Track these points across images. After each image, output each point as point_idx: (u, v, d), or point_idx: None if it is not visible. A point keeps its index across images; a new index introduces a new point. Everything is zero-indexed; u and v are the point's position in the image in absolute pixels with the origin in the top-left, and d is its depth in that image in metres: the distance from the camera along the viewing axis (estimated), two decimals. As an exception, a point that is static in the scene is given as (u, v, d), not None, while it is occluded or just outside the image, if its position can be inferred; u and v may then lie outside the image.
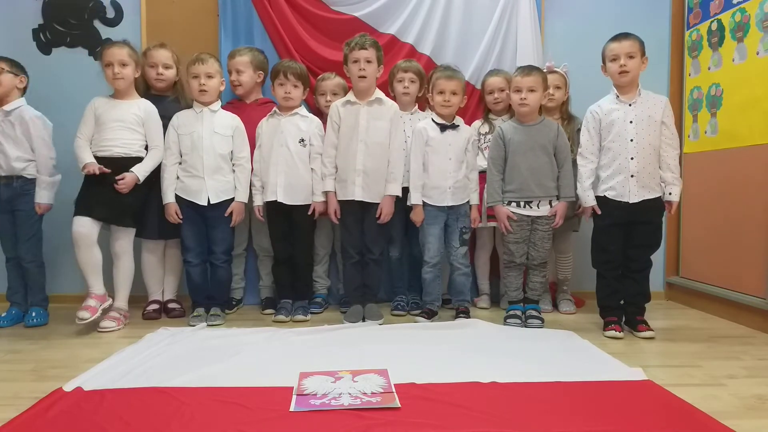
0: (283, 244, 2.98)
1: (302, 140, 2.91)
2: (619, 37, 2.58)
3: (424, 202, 2.85)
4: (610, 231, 2.62)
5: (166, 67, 2.98)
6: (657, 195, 2.58)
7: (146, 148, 2.84)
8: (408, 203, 2.87)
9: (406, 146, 2.92)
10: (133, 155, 2.79)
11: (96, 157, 2.75)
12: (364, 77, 2.77)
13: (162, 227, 2.92)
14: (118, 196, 2.73)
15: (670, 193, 2.59)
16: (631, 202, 2.56)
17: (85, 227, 2.70)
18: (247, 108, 3.09)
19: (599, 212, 2.64)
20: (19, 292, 2.94)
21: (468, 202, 2.88)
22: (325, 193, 2.89)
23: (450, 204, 2.84)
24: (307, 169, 2.92)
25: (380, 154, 2.83)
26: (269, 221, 2.99)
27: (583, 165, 2.68)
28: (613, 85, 2.65)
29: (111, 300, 2.80)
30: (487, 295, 3.24)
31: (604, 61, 2.64)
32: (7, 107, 2.87)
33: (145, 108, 2.84)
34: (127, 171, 2.74)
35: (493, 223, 2.93)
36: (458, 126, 2.88)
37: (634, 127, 2.56)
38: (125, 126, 2.78)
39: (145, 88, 3.03)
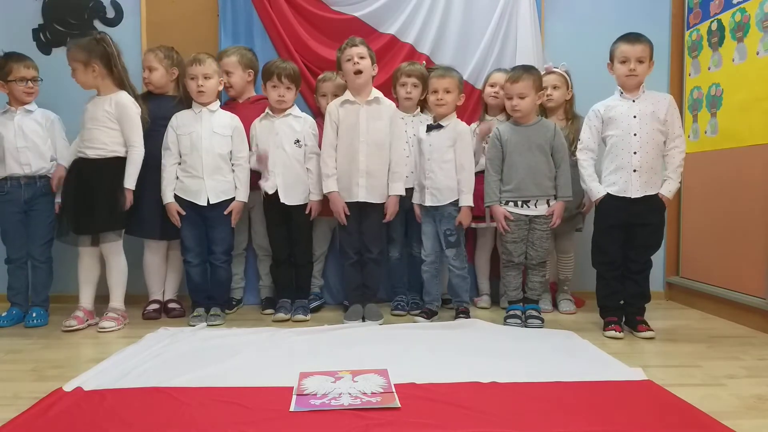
0: (282, 244, 2.98)
1: (297, 141, 2.92)
2: (631, 39, 2.55)
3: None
4: (610, 231, 2.62)
5: (151, 69, 2.97)
6: (658, 191, 2.58)
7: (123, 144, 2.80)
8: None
9: (407, 145, 2.93)
10: (109, 156, 2.76)
11: (76, 159, 2.78)
12: (360, 72, 2.76)
13: (164, 228, 2.92)
14: (93, 204, 2.71)
15: (661, 187, 2.57)
16: (632, 197, 2.55)
17: (87, 243, 2.79)
18: (241, 107, 3.09)
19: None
20: (21, 292, 2.94)
21: (451, 203, 2.80)
22: (327, 194, 2.86)
23: (429, 204, 2.82)
24: (303, 169, 2.93)
25: (381, 154, 2.83)
26: (268, 222, 2.99)
27: (585, 159, 2.67)
28: (617, 84, 2.65)
29: (97, 319, 2.81)
30: (488, 295, 3.24)
31: (612, 60, 2.62)
32: (29, 107, 2.93)
33: (117, 102, 2.78)
34: (100, 172, 2.73)
35: (494, 224, 2.93)
36: (443, 126, 2.82)
37: (638, 122, 2.56)
38: (98, 125, 2.75)
39: (147, 89, 3.03)
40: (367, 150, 2.80)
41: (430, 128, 2.85)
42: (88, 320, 2.79)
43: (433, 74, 2.87)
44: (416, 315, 2.92)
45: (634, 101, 2.59)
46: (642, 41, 2.55)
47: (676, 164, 2.57)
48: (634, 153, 2.55)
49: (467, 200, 2.79)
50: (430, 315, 2.86)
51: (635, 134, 2.56)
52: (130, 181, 2.76)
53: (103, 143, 2.75)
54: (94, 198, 2.72)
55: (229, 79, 3.04)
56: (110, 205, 2.73)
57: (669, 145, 2.58)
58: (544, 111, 3.07)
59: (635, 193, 2.55)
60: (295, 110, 2.98)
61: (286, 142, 2.90)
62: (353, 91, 2.84)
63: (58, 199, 2.90)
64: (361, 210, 2.85)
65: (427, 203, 2.82)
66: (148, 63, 2.98)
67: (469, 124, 3.05)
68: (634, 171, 2.55)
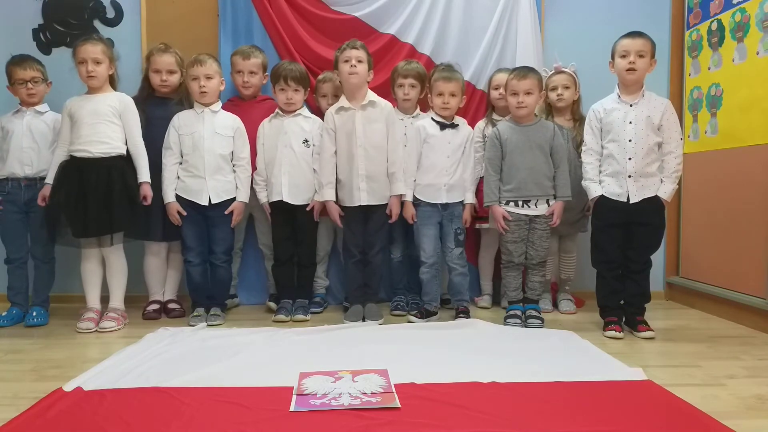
0: (285, 244, 2.98)
1: (306, 141, 2.92)
2: (632, 34, 2.57)
3: (420, 201, 2.86)
4: (609, 231, 2.62)
5: (171, 72, 2.96)
6: (655, 194, 2.57)
7: (125, 142, 2.79)
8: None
9: (406, 143, 2.93)
10: (114, 153, 2.74)
11: (74, 158, 2.72)
12: (356, 74, 2.77)
13: (167, 229, 2.92)
14: (110, 204, 2.69)
15: (658, 189, 2.57)
16: (630, 202, 2.56)
17: (94, 245, 2.79)
18: (247, 106, 3.09)
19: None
20: (21, 292, 2.94)
21: (461, 202, 2.88)
22: (323, 202, 2.87)
23: (444, 202, 2.84)
24: (310, 169, 2.93)
25: (380, 157, 2.83)
26: (272, 221, 3.00)
27: (589, 162, 2.67)
28: (617, 84, 2.64)
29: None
30: (489, 295, 3.24)
31: (613, 57, 2.62)
32: (39, 108, 2.94)
33: (121, 99, 2.80)
34: (108, 172, 2.69)
35: (487, 225, 2.96)
36: (458, 125, 2.89)
37: (633, 128, 2.56)
38: (102, 120, 2.74)
39: (150, 91, 3.02)
40: (365, 154, 2.81)
41: (444, 126, 2.86)
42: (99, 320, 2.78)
43: (439, 76, 2.86)
44: (412, 314, 2.90)
45: (631, 105, 2.58)
46: (643, 37, 2.55)
47: (672, 170, 2.55)
48: (629, 159, 2.55)
49: (470, 197, 2.87)
50: (425, 315, 2.84)
51: (630, 140, 2.55)
52: (146, 174, 2.78)
53: (109, 137, 2.74)
54: (111, 198, 2.69)
55: (251, 78, 3.04)
56: (128, 204, 2.73)
57: (665, 149, 2.56)
58: (551, 111, 3.07)
59: (633, 198, 2.55)
60: (305, 110, 3.00)
61: (294, 142, 2.91)
62: (347, 93, 2.85)
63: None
64: (364, 212, 2.86)
65: (445, 200, 2.84)
66: (167, 67, 2.95)
67: (470, 124, 3.05)
68: (629, 177, 2.55)
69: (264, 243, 3.17)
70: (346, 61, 2.78)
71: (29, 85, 2.89)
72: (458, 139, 2.87)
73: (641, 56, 2.53)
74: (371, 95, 2.87)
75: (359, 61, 2.78)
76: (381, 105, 2.87)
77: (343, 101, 2.85)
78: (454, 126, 2.88)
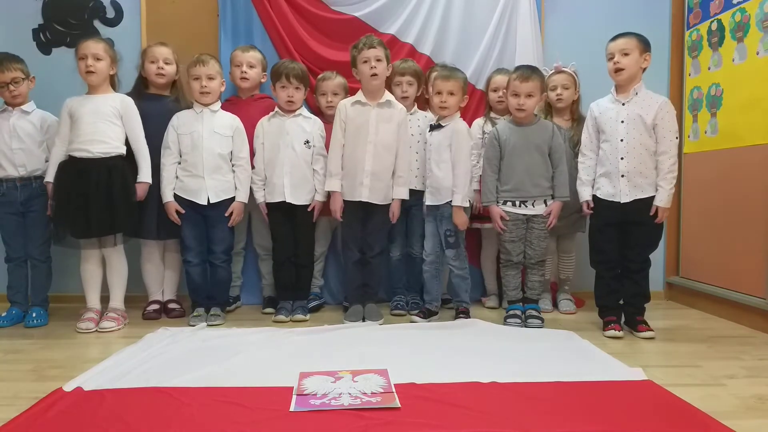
0: (284, 244, 2.98)
1: (307, 141, 2.92)
2: (616, 37, 2.59)
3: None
4: (605, 231, 2.62)
5: (167, 62, 2.96)
6: (650, 194, 2.56)
7: (126, 143, 2.79)
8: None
9: (412, 149, 2.93)
10: (114, 153, 2.74)
11: (74, 158, 2.71)
12: (376, 75, 2.75)
13: (161, 228, 2.91)
14: (110, 205, 2.68)
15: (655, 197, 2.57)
16: (622, 202, 2.56)
17: (95, 245, 2.79)
18: (245, 104, 3.09)
19: (591, 206, 2.65)
20: (21, 291, 2.95)
21: (449, 203, 2.75)
22: (330, 192, 2.87)
23: (429, 203, 2.83)
24: (310, 170, 2.94)
25: (387, 157, 2.83)
26: (271, 221, 2.99)
27: (582, 162, 2.70)
28: (614, 84, 2.65)
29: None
30: (495, 295, 3.23)
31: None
32: (26, 107, 2.93)
33: (122, 100, 2.81)
34: (109, 172, 2.69)
35: (477, 225, 2.97)
36: (443, 126, 2.81)
37: (624, 127, 2.56)
38: (102, 119, 2.73)
39: (143, 88, 3.01)
40: (374, 151, 2.80)
41: (432, 128, 2.85)
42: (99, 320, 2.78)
43: (438, 75, 2.84)
44: (414, 314, 2.91)
45: (623, 104, 2.58)
46: (625, 36, 2.57)
47: (665, 171, 2.53)
48: (621, 158, 2.55)
49: (457, 200, 2.72)
50: (427, 315, 2.85)
51: (622, 140, 2.55)
52: (147, 174, 2.78)
53: (109, 137, 2.73)
54: (112, 199, 2.69)
55: (250, 70, 3.06)
56: (128, 204, 2.73)
57: (659, 149, 2.54)
58: (550, 111, 3.07)
59: (624, 198, 2.55)
60: (305, 110, 3.00)
61: (296, 142, 2.91)
62: (366, 92, 2.83)
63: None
64: (365, 210, 2.85)
65: (428, 202, 2.82)
66: (163, 56, 2.95)
67: (469, 123, 3.04)
68: (622, 176, 2.55)
69: (259, 243, 3.17)
70: (366, 62, 2.75)
71: (11, 87, 2.86)
72: (440, 140, 2.79)
73: (626, 54, 2.54)
74: (388, 95, 2.85)
75: (378, 60, 2.75)
76: (397, 107, 2.86)
77: (360, 96, 2.84)
78: (439, 127, 2.82)
